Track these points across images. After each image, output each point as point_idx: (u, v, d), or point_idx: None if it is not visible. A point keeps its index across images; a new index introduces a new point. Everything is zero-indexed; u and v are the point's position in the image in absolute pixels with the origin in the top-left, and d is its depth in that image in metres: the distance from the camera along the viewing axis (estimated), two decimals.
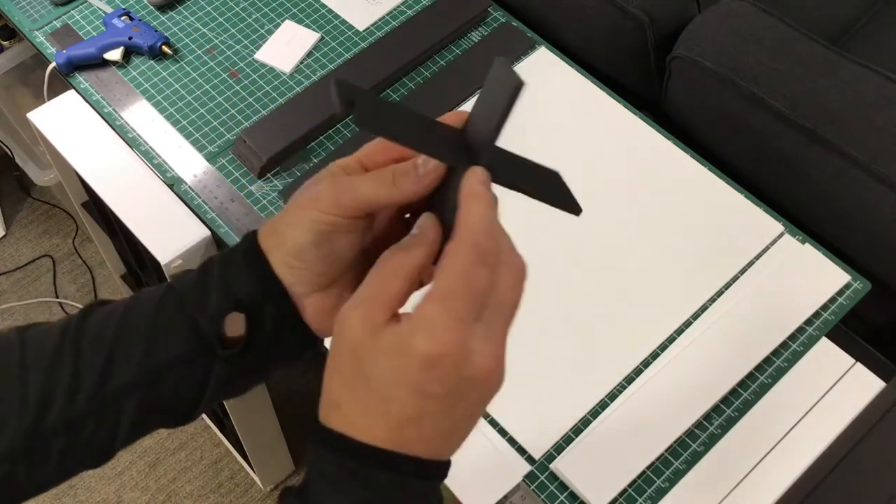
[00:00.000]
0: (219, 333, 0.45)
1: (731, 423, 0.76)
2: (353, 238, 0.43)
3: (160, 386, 0.45)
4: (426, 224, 0.40)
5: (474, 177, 0.39)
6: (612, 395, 0.77)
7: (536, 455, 0.74)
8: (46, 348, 0.45)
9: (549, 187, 0.44)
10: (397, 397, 0.36)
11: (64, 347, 0.45)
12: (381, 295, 0.38)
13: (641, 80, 1.07)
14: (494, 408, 0.74)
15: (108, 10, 1.03)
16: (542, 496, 0.73)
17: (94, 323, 0.46)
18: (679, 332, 0.81)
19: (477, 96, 0.42)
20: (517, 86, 0.39)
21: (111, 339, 0.45)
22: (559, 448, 0.75)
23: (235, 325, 0.45)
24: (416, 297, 0.39)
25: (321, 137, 0.94)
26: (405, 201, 0.41)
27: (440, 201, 0.41)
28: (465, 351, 0.36)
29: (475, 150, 0.41)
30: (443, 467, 0.39)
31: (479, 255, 0.37)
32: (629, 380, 0.78)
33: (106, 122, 0.96)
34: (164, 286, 0.47)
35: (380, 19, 1.04)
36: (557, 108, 0.95)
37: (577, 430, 0.75)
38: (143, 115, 0.96)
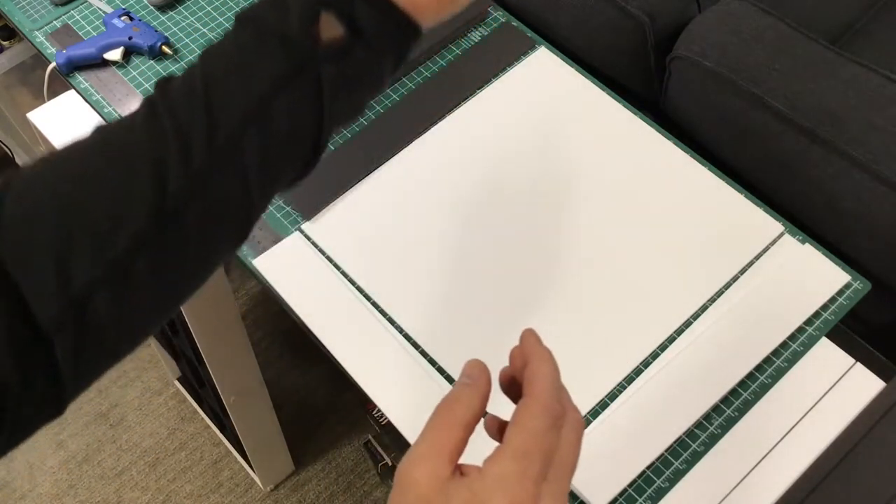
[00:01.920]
0: (313, 36, 0.42)
1: (731, 423, 0.76)
2: None
3: (273, 115, 0.42)
4: (475, 373, 0.42)
5: (534, 334, 0.43)
6: (613, 395, 0.77)
7: None
8: (137, 126, 0.41)
9: None
10: None
11: (157, 118, 0.41)
12: (443, 448, 0.38)
13: (641, 80, 1.07)
14: (495, 408, 0.74)
15: (108, 10, 1.03)
16: None
17: (176, 87, 0.42)
18: (679, 332, 0.81)
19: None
20: None
21: (202, 90, 0.41)
22: None
23: (328, 28, 0.42)
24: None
25: None
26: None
27: None
28: None
29: None
30: None
31: (551, 417, 0.39)
32: (629, 380, 0.78)
33: (106, 122, 0.96)
34: (233, 26, 0.44)
35: None
36: (557, 108, 0.95)
37: None
38: None
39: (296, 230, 0.86)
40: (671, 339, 0.80)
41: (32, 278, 0.38)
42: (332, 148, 0.93)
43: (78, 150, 0.41)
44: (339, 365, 0.78)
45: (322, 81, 0.43)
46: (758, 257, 0.85)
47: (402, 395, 0.76)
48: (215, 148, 0.41)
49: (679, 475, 0.74)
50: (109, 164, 0.40)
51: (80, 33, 1.02)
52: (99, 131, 0.42)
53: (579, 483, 0.72)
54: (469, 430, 0.40)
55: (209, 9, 1.05)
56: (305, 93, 0.42)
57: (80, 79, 0.99)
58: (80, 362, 0.39)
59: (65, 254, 0.38)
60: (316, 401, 1.66)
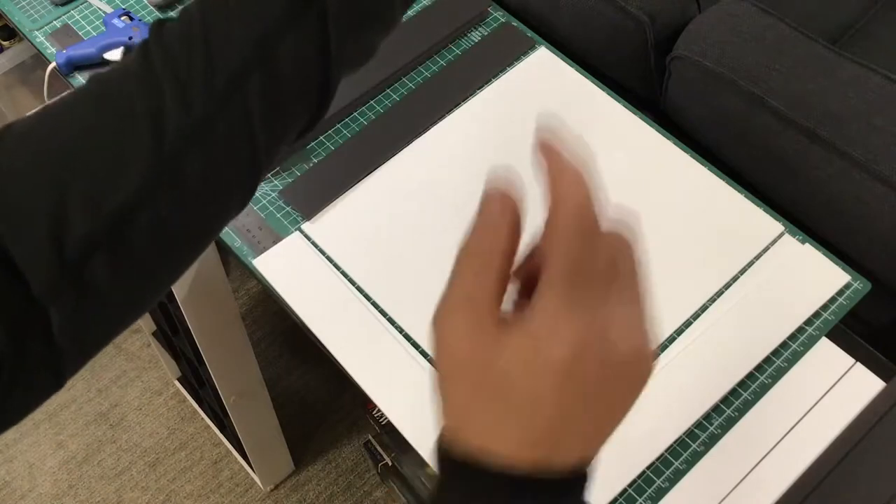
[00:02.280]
0: None
1: (731, 423, 0.76)
2: None
3: (276, 58, 0.39)
4: (487, 199, 0.34)
5: (545, 135, 0.34)
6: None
7: None
8: (133, 74, 0.38)
9: None
10: (540, 407, 0.31)
11: (152, 66, 0.38)
12: (478, 294, 0.33)
13: (641, 80, 1.07)
14: None
15: (108, 10, 1.03)
16: None
17: (172, 31, 0.39)
18: (679, 331, 0.81)
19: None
20: None
21: (200, 33, 0.39)
22: None
23: None
24: None
25: (321, 137, 0.94)
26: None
27: None
28: (602, 339, 0.31)
29: None
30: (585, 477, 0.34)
31: (589, 223, 0.33)
32: None
33: None
34: None
35: None
36: (557, 108, 0.95)
37: None
38: None
39: (296, 230, 0.86)
40: (671, 339, 0.80)
41: (24, 240, 0.35)
42: (333, 148, 0.93)
43: (72, 102, 0.39)
44: (339, 365, 0.78)
45: (328, 19, 0.40)
46: (758, 257, 0.85)
47: (402, 395, 0.76)
48: (216, 94, 0.38)
49: (679, 475, 0.74)
50: (104, 116, 0.38)
51: (80, 33, 1.02)
52: (94, 80, 0.40)
53: None
54: (502, 270, 0.33)
55: None
56: (310, 32, 0.40)
57: (80, 79, 0.99)
58: (79, 331, 0.36)
59: (59, 212, 0.35)
60: (316, 401, 1.66)
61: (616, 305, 0.33)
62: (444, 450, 0.33)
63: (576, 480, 0.33)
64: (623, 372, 0.33)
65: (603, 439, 0.36)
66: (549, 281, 0.32)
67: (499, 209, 0.33)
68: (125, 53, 0.99)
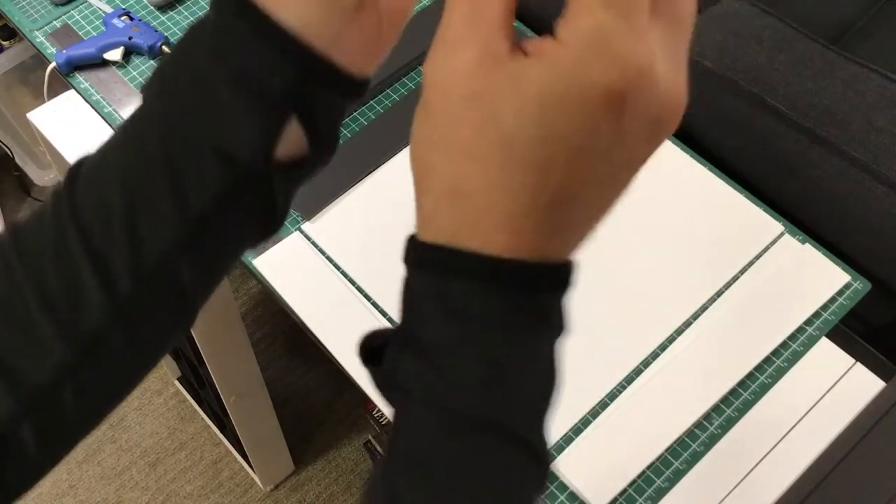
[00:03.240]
0: (268, 158, 0.33)
1: (731, 423, 0.76)
2: None
3: (215, 234, 0.35)
4: None
5: None
6: (613, 395, 0.77)
7: None
8: (47, 249, 0.34)
9: None
10: (561, 157, 0.25)
11: (68, 243, 0.34)
12: (485, 19, 0.26)
13: None
14: None
15: (108, 10, 1.03)
16: (542, 496, 0.73)
17: (91, 201, 0.34)
18: (679, 332, 0.81)
19: None
20: None
21: (122, 212, 0.33)
22: (559, 448, 0.75)
23: (286, 142, 0.33)
24: None
25: None
26: None
27: None
28: (653, 74, 0.24)
29: None
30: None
31: None
32: (629, 380, 0.78)
33: (106, 122, 0.96)
34: (151, 123, 0.34)
35: None
36: None
37: (578, 429, 0.75)
38: None
39: (296, 230, 0.86)
40: (671, 339, 0.80)
41: None
42: None
43: None
44: (339, 365, 0.78)
45: (275, 192, 0.35)
46: (758, 257, 0.85)
47: None
48: (143, 278, 0.34)
49: (679, 475, 0.74)
50: (16, 290, 0.34)
51: (80, 33, 1.02)
52: (12, 240, 0.35)
53: (579, 483, 0.72)
54: None
55: (209, 9, 1.05)
56: (254, 204, 0.35)
57: (80, 79, 0.99)
58: (4, 483, 0.35)
59: None
60: (316, 401, 1.66)
61: (665, 41, 0.25)
62: (420, 242, 0.29)
63: (567, 273, 0.28)
64: (656, 123, 0.27)
65: (599, 220, 0.30)
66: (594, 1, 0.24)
67: None
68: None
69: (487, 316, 0.27)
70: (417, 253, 0.30)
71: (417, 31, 1.12)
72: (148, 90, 0.35)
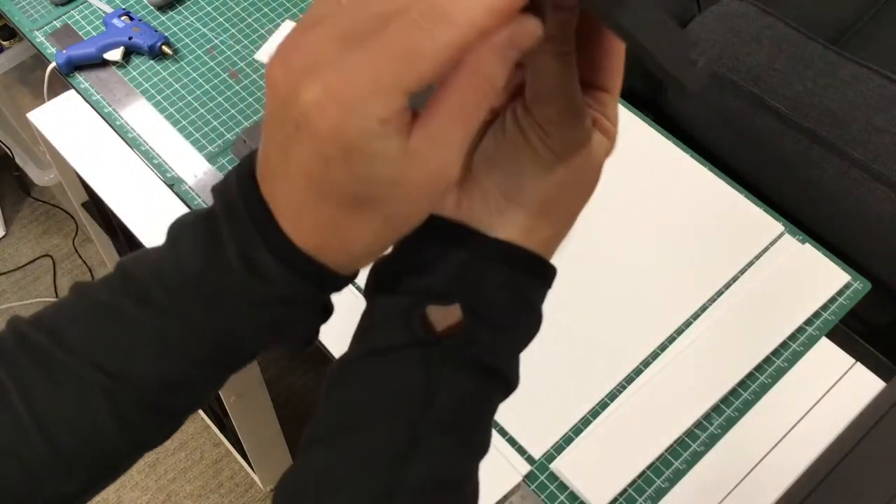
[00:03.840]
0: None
1: (731, 423, 0.76)
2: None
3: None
4: None
5: None
6: (613, 395, 0.77)
7: (536, 455, 0.74)
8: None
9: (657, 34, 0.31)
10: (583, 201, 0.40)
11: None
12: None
13: (641, 80, 1.08)
14: None
15: (108, 10, 1.03)
16: (542, 496, 0.73)
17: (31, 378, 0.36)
18: (679, 331, 0.81)
19: None
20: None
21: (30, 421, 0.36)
22: (559, 448, 0.75)
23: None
24: None
25: None
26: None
27: None
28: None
29: None
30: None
31: None
32: (629, 380, 0.78)
33: (106, 121, 0.96)
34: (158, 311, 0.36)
35: None
36: None
37: (577, 430, 0.75)
38: (143, 115, 0.96)
39: None
40: (671, 339, 0.80)
41: None
42: None
43: None
44: None
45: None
46: (758, 257, 0.85)
47: None
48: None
49: (679, 475, 0.74)
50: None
51: (80, 33, 1.02)
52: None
53: (579, 483, 0.72)
54: None
55: (209, 9, 1.05)
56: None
57: (80, 79, 0.99)
58: None
59: None
60: (316, 401, 1.66)
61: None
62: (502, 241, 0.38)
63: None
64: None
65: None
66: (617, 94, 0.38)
67: None
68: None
69: (537, 307, 0.39)
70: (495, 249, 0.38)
71: None
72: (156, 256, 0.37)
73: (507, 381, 0.39)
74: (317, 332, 0.40)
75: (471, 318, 0.37)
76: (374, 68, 0.28)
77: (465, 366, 0.37)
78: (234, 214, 0.33)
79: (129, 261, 0.37)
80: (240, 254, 0.33)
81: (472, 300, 0.37)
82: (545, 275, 0.40)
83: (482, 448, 0.39)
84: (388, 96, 0.29)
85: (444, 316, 0.37)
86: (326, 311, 0.40)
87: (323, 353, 0.79)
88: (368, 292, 0.40)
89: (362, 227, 0.33)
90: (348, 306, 0.82)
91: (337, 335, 0.79)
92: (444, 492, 0.37)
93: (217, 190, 0.35)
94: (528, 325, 0.39)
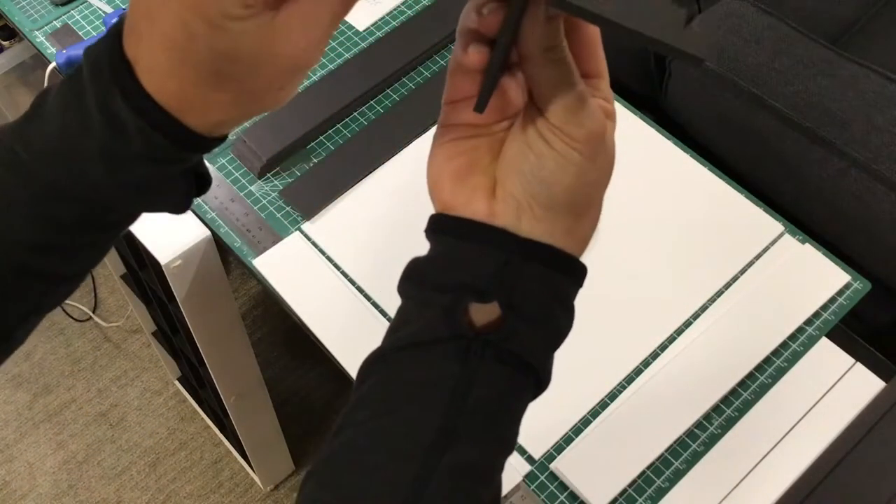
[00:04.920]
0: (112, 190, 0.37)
1: (731, 423, 0.76)
2: None
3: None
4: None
5: None
6: (613, 395, 0.77)
7: (536, 455, 0.74)
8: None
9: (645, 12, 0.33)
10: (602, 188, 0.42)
11: None
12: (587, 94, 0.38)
13: (641, 80, 1.08)
14: None
15: (108, 10, 1.03)
16: (542, 496, 0.73)
17: None
18: (679, 332, 0.81)
19: None
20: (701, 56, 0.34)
21: None
22: (559, 448, 0.75)
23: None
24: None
25: (321, 137, 0.94)
26: None
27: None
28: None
29: None
30: None
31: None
32: (629, 380, 0.78)
33: None
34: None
35: (380, 19, 1.04)
36: None
37: (577, 430, 0.75)
38: None
39: (296, 230, 0.86)
40: (671, 339, 0.80)
41: None
42: (333, 148, 0.93)
43: None
44: (339, 365, 0.78)
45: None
46: (758, 257, 0.85)
47: None
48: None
49: (679, 475, 0.74)
50: None
51: (80, 33, 1.02)
52: None
53: (579, 483, 0.72)
54: None
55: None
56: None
57: None
58: None
59: None
60: (316, 401, 1.66)
61: None
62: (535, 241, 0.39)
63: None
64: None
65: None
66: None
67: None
68: None
69: (570, 305, 0.41)
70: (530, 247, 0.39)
71: (418, 32, 1.12)
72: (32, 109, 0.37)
73: (538, 379, 0.40)
74: (189, 196, 0.40)
75: (509, 315, 0.38)
76: None
77: (500, 360, 0.38)
78: (98, 71, 0.34)
79: None
80: (100, 108, 0.34)
81: (510, 298, 0.38)
82: (577, 273, 0.41)
83: (510, 444, 0.40)
84: None
85: (482, 314, 0.38)
86: (201, 178, 0.40)
87: (323, 353, 0.79)
88: (404, 289, 0.41)
89: (221, 98, 0.34)
90: (350, 307, 0.82)
91: (337, 335, 0.79)
92: (475, 481, 0.37)
93: (87, 51, 0.35)
94: (562, 322, 0.41)
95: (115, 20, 0.36)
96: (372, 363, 0.41)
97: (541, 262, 0.39)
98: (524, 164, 0.38)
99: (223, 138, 0.37)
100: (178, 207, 0.40)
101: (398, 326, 0.41)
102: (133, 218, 0.40)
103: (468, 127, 0.40)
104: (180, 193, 0.39)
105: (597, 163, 0.39)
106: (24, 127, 0.37)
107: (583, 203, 0.39)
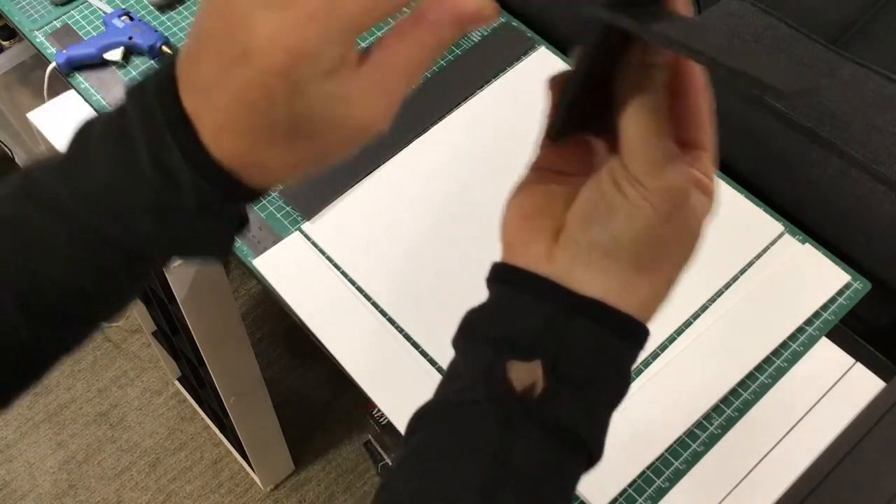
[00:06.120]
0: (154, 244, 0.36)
1: (731, 423, 0.76)
2: None
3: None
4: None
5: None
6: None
7: None
8: None
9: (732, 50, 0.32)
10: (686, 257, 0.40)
11: None
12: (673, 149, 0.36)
13: None
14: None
15: (108, 10, 1.03)
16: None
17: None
18: (679, 331, 0.81)
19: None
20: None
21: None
22: None
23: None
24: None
25: None
26: None
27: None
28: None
29: None
30: None
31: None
32: None
33: None
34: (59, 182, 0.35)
35: None
36: None
37: None
38: None
39: (296, 230, 0.86)
40: (671, 339, 0.80)
41: None
42: None
43: None
44: (339, 365, 0.78)
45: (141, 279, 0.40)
46: (758, 257, 0.85)
47: (402, 395, 0.76)
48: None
49: (679, 475, 0.74)
50: None
51: (80, 33, 1.02)
52: None
53: (579, 483, 0.72)
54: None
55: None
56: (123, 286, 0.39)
57: (80, 79, 0.99)
58: None
59: None
60: (316, 401, 1.66)
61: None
62: (539, 276, 0.37)
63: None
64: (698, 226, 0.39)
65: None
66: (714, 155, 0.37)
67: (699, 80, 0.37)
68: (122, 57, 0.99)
69: (623, 365, 0.39)
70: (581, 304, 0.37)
71: None
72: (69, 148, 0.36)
73: (586, 448, 0.38)
74: (232, 240, 0.39)
75: (552, 379, 0.36)
76: (331, 11, 0.29)
77: (542, 427, 0.36)
78: (150, 121, 0.32)
79: (37, 168, 0.36)
80: (153, 161, 0.33)
81: (555, 357, 0.36)
82: (635, 335, 0.39)
83: None
84: (341, 42, 0.30)
85: (525, 373, 0.36)
86: (242, 223, 0.39)
87: (323, 353, 0.79)
88: (456, 340, 0.40)
89: (285, 156, 0.33)
90: (349, 307, 0.82)
91: (337, 335, 0.79)
92: None
93: (132, 93, 0.34)
94: (613, 387, 0.38)
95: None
96: (419, 418, 0.40)
97: (591, 317, 0.37)
98: (594, 210, 0.37)
99: (268, 190, 0.37)
100: (222, 252, 0.39)
101: (448, 380, 0.40)
102: (172, 260, 0.40)
103: (554, 173, 0.40)
104: (225, 239, 0.38)
105: (671, 222, 0.36)
106: (68, 169, 0.35)
107: (646, 258, 0.37)
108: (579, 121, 0.39)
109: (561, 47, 1.02)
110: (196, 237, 0.36)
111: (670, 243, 0.38)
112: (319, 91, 0.30)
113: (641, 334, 0.39)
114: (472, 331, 0.39)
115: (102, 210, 0.34)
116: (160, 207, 0.33)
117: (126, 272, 0.37)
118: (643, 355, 0.79)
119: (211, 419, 1.58)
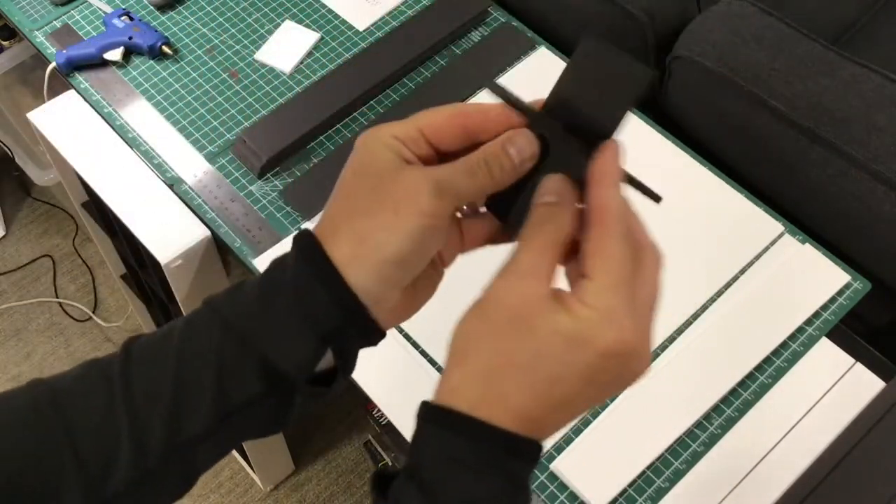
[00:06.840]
0: (305, 374, 0.41)
1: (731, 423, 0.76)
2: (444, 235, 0.41)
3: (236, 426, 0.41)
4: (563, 189, 0.39)
5: (612, 154, 0.40)
6: (612, 395, 0.77)
7: None
8: (92, 410, 0.40)
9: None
10: (567, 380, 0.36)
11: (115, 409, 0.39)
12: (539, 269, 0.37)
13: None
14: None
15: (108, 10, 1.03)
16: (542, 496, 0.73)
17: (144, 375, 0.40)
18: (679, 331, 0.81)
19: (566, 74, 0.44)
20: (646, 80, 0.39)
21: (170, 394, 0.39)
22: (559, 448, 0.75)
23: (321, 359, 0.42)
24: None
25: (321, 137, 0.94)
26: (496, 190, 0.40)
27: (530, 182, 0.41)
28: (644, 343, 0.37)
29: (591, 131, 0.40)
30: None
31: (631, 244, 0.39)
32: None
33: (106, 121, 0.96)
34: (215, 319, 0.40)
35: (380, 19, 1.04)
36: None
37: (577, 430, 0.75)
38: (143, 115, 0.96)
39: (295, 230, 0.86)
40: (671, 340, 0.80)
41: None
42: (333, 148, 0.93)
43: (13, 418, 0.40)
44: None
45: (294, 403, 0.42)
46: (758, 257, 0.85)
47: (402, 394, 0.76)
48: (168, 454, 0.40)
49: (679, 475, 0.74)
50: (51, 444, 0.39)
51: (80, 33, 1.02)
52: (49, 395, 0.40)
53: (579, 483, 0.72)
54: (561, 250, 0.38)
55: (209, 9, 1.05)
56: (276, 409, 0.41)
57: (80, 79, 0.99)
58: None
59: None
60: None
61: (645, 317, 0.38)
62: (438, 406, 0.37)
63: (540, 451, 0.38)
64: (634, 374, 0.37)
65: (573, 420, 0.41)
66: (601, 281, 0.37)
67: (566, 191, 0.39)
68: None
69: (481, 471, 0.36)
70: (436, 413, 0.38)
71: (418, 32, 1.12)
72: (213, 298, 0.41)
73: None
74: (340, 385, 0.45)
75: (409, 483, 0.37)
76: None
77: None
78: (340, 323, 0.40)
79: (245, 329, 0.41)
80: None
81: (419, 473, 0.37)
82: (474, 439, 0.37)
83: None
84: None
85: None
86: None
87: None
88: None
89: (414, 301, 0.46)
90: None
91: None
92: None
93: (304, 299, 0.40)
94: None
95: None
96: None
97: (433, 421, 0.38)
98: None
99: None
100: (332, 397, 0.44)
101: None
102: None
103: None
104: (337, 390, 0.44)
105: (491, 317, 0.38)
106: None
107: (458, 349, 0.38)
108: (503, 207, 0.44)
109: (561, 47, 1.02)
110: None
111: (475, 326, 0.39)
112: (443, 228, 0.40)
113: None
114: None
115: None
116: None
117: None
118: None
119: None
